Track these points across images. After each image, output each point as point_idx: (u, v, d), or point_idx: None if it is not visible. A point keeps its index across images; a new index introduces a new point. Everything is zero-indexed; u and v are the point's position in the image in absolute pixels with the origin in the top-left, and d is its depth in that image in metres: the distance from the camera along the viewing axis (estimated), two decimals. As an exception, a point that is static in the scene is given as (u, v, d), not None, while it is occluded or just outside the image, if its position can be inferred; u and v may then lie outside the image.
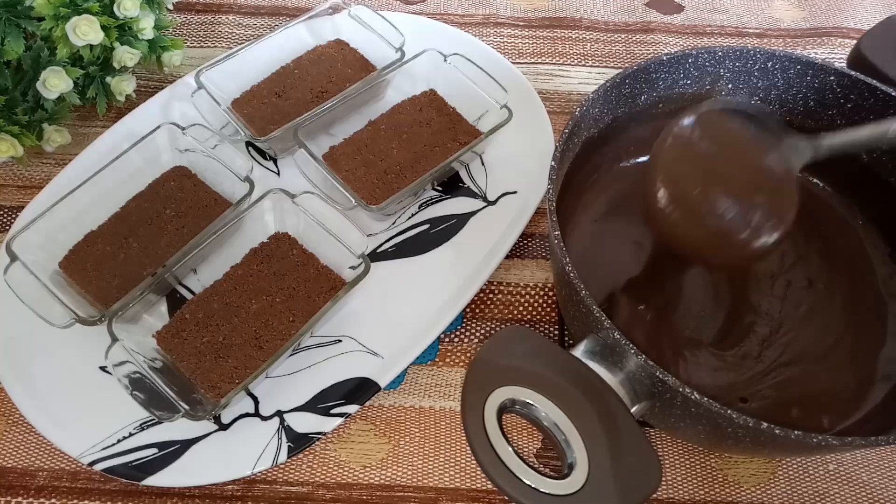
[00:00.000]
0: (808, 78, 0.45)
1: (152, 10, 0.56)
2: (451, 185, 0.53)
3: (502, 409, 0.34)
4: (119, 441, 0.42)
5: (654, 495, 0.41)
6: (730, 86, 0.47)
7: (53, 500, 0.42)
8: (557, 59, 0.63)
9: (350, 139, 0.53)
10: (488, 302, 0.50)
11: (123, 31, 0.53)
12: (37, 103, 0.52)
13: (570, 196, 0.47)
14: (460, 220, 0.52)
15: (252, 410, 0.44)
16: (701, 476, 0.43)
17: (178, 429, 0.43)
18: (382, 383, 0.44)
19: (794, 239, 0.48)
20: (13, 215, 0.53)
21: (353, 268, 0.46)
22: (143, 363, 0.41)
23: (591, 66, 0.63)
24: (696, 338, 0.45)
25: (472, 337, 0.48)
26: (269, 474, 0.43)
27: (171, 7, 0.60)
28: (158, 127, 0.50)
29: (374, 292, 0.48)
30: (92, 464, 0.41)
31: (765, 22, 0.67)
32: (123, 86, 0.55)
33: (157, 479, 0.41)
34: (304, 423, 0.43)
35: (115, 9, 0.52)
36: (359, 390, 0.44)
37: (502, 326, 0.49)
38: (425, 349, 0.45)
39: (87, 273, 0.46)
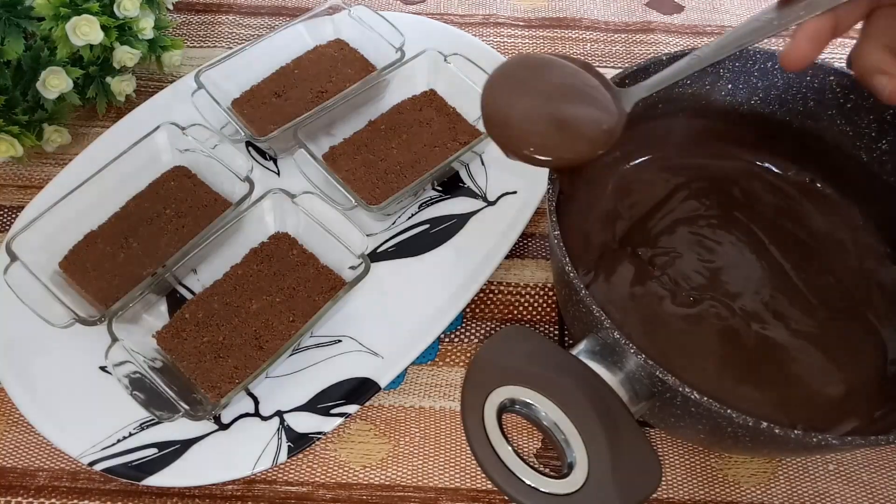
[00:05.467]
0: (808, 78, 0.45)
1: (152, 10, 0.56)
2: (451, 185, 0.53)
3: (502, 409, 0.34)
4: (119, 441, 0.42)
5: (654, 495, 0.41)
6: (729, 86, 0.47)
7: (53, 500, 0.42)
8: (557, 59, 0.63)
9: (350, 139, 0.53)
10: (488, 302, 0.50)
11: (123, 31, 0.53)
12: (37, 103, 0.52)
13: (569, 196, 0.47)
14: (460, 220, 0.52)
15: (252, 410, 0.44)
16: (701, 476, 0.43)
17: (178, 429, 0.43)
18: (382, 383, 0.44)
19: (794, 239, 0.48)
20: (13, 215, 0.53)
21: (353, 268, 0.46)
22: (143, 363, 0.41)
23: (591, 66, 0.63)
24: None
25: (472, 337, 0.48)
26: (269, 474, 0.43)
27: (171, 7, 0.60)
28: (158, 127, 0.50)
29: (374, 292, 0.48)
30: (92, 464, 0.41)
31: (765, 22, 0.67)
32: (123, 86, 0.55)
33: (157, 479, 0.41)
34: (304, 423, 0.43)
35: (115, 9, 0.52)
36: (359, 390, 0.44)
37: (502, 326, 0.49)
38: (425, 349, 0.45)
39: (87, 273, 0.46)
